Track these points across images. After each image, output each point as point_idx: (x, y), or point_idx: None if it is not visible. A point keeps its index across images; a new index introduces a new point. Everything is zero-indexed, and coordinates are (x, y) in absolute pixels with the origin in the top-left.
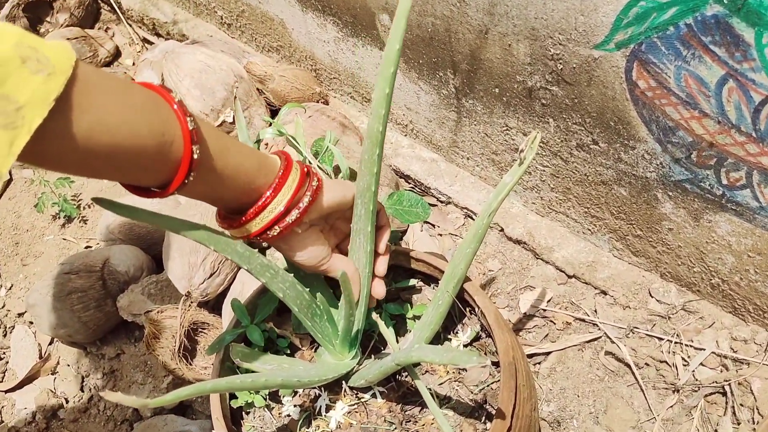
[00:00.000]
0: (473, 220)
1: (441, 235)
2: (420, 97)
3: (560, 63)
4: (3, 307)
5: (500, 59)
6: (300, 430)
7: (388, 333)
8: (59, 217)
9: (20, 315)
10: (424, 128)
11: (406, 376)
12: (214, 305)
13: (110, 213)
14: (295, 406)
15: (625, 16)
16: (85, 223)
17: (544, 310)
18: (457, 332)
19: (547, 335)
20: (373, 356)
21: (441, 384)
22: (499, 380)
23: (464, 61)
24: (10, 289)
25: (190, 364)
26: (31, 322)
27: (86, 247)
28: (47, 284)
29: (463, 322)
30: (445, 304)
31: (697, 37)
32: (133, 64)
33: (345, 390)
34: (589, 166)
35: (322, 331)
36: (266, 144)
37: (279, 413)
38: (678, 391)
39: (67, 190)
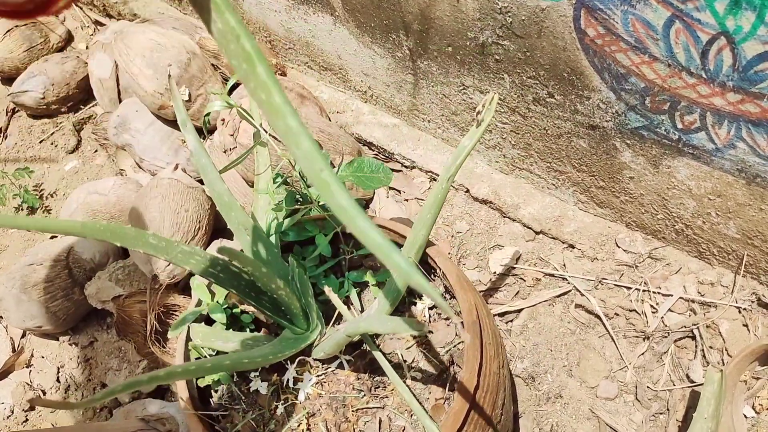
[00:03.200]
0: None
1: (407, 200)
2: (376, 62)
3: (509, 16)
4: None
5: (450, 17)
6: (270, 403)
7: (341, 306)
8: (22, 209)
9: None
10: (383, 93)
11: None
12: (184, 287)
13: (72, 199)
14: (262, 381)
15: None
16: (49, 213)
17: (514, 268)
18: (421, 296)
19: (517, 293)
20: (336, 327)
21: (408, 348)
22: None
23: (415, 21)
24: None
25: (164, 348)
26: (1, 317)
27: (51, 237)
28: (12, 277)
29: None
30: None
31: None
32: (87, 47)
33: (310, 362)
34: (548, 120)
35: (270, 308)
36: (223, 120)
37: (247, 388)
38: (648, 338)
39: (28, 181)
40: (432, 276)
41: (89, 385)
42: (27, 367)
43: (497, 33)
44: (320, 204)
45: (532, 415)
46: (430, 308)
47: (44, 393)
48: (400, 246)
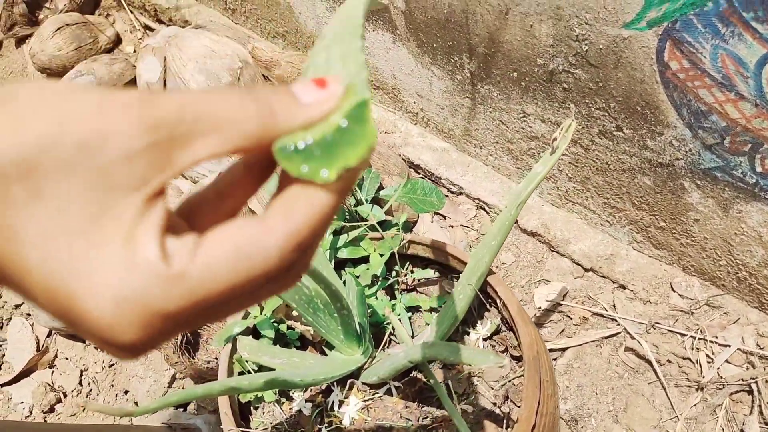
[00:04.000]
0: (485, 211)
1: (452, 226)
2: (432, 84)
3: (585, 44)
4: (0, 298)
5: (520, 41)
6: (312, 425)
7: (399, 326)
8: None
9: (17, 306)
10: (436, 116)
11: (421, 372)
12: None
13: None
14: (306, 401)
15: None
16: None
17: (560, 305)
18: (476, 325)
19: (563, 330)
20: (387, 350)
21: (459, 380)
22: (521, 376)
23: (481, 44)
24: None
25: (193, 358)
26: (29, 314)
27: None
28: None
29: (483, 314)
30: (466, 297)
31: (737, 13)
32: (134, 51)
33: (358, 385)
34: (612, 154)
35: (325, 326)
36: None
37: (290, 408)
38: (702, 389)
39: None
40: (490, 306)
41: (112, 390)
42: (50, 367)
43: (569, 61)
44: (378, 223)
45: None
46: (485, 339)
47: (65, 395)
48: (458, 273)
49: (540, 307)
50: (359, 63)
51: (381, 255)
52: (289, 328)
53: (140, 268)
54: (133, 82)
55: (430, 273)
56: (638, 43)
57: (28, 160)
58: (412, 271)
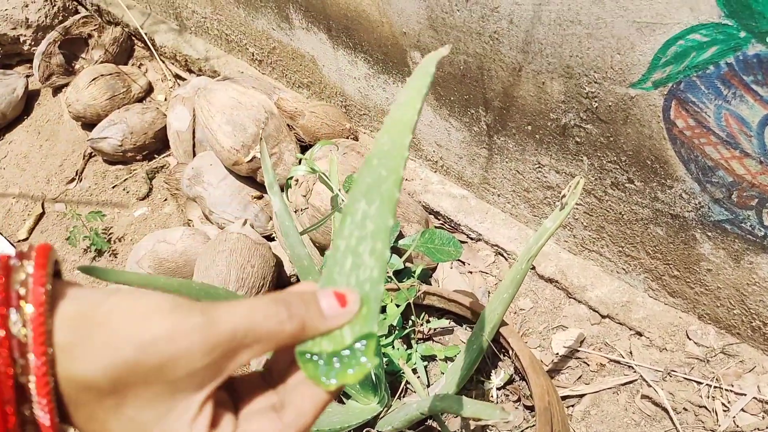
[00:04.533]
0: (504, 257)
1: (471, 272)
2: (451, 134)
3: (595, 101)
4: None
5: (533, 97)
6: None
7: (413, 378)
8: (90, 251)
9: None
10: (455, 165)
11: (436, 421)
12: None
13: (141, 245)
14: None
15: (663, 55)
16: (116, 257)
17: (578, 351)
18: (490, 374)
19: (580, 377)
20: (402, 399)
21: (473, 429)
22: (533, 425)
23: (496, 98)
24: None
25: None
26: None
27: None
28: None
29: (497, 364)
30: (480, 348)
31: (738, 76)
32: (165, 99)
33: None
34: (624, 205)
35: None
36: (296, 180)
37: None
38: None
39: (99, 224)
40: (503, 356)
41: None
42: None
43: (581, 116)
44: (395, 272)
45: None
46: (499, 389)
47: None
48: (473, 323)
49: (558, 353)
50: (381, 268)
51: (397, 306)
52: None
53: None
54: (163, 130)
55: (445, 323)
56: (645, 101)
57: (117, 379)
58: (428, 321)
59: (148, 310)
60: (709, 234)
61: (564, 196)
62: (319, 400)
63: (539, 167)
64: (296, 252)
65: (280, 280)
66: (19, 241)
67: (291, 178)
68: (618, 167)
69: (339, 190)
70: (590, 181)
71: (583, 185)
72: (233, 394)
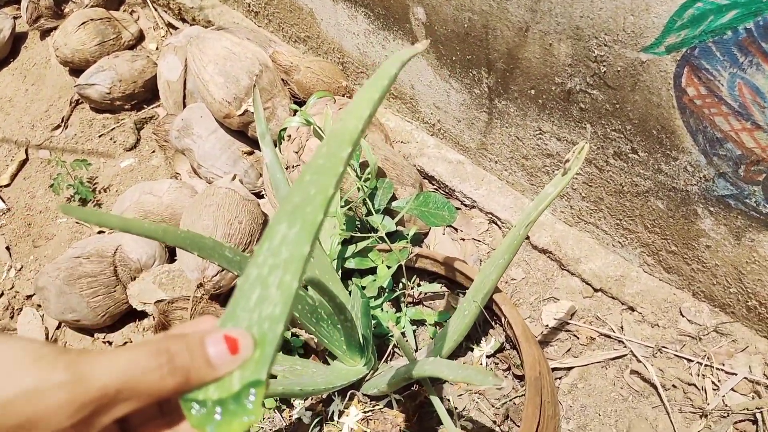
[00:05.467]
0: (498, 225)
1: (463, 239)
2: (450, 96)
3: (604, 65)
4: (12, 288)
5: (539, 59)
6: None
7: (403, 341)
8: (74, 200)
9: (29, 297)
10: (452, 128)
11: (422, 386)
12: (225, 299)
13: (126, 197)
14: (306, 409)
15: (679, 18)
16: (100, 207)
17: (568, 324)
18: (480, 341)
19: (569, 350)
20: (390, 362)
21: (460, 395)
22: (522, 395)
23: (500, 59)
24: (20, 270)
25: None
26: (39, 305)
27: (99, 233)
28: (57, 267)
29: (487, 331)
30: (471, 314)
31: (756, 43)
32: (156, 48)
33: (359, 396)
34: (626, 176)
35: (328, 336)
36: (288, 136)
37: (290, 416)
38: (706, 416)
39: (84, 173)
40: (495, 323)
41: None
42: None
43: (587, 81)
44: (387, 234)
45: None
46: (488, 356)
47: None
48: (465, 288)
49: (547, 325)
50: (285, 304)
51: (388, 267)
52: (293, 335)
53: None
54: (153, 79)
55: (436, 287)
56: (656, 67)
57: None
58: (418, 285)
59: (7, 362)
60: (712, 209)
61: (567, 161)
62: None
63: (540, 134)
64: None
65: None
66: (1, 186)
67: (284, 130)
68: (622, 136)
69: None
70: (592, 150)
71: (588, 150)
72: (125, 422)
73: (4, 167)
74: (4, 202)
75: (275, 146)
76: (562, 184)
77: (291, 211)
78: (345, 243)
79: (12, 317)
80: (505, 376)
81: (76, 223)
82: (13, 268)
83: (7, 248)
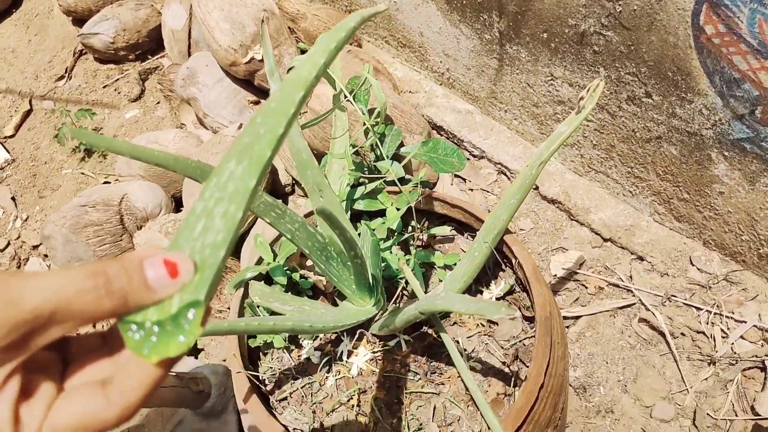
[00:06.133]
0: (506, 176)
1: (472, 190)
2: (460, 43)
3: (619, 5)
4: (18, 238)
5: (552, 0)
6: (320, 373)
7: (413, 278)
8: (79, 151)
9: (35, 247)
10: (462, 77)
11: (432, 328)
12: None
13: None
14: (315, 350)
15: None
16: (105, 159)
17: (576, 273)
18: (489, 285)
19: (577, 299)
20: (399, 304)
21: (470, 337)
22: (531, 336)
23: (512, 1)
24: (26, 220)
25: None
26: (46, 255)
27: (104, 183)
28: (63, 216)
29: (497, 274)
30: (482, 255)
31: None
32: None
33: (368, 337)
34: (639, 122)
35: (338, 275)
36: None
37: (298, 356)
38: (714, 363)
39: (89, 123)
40: (506, 265)
41: None
42: None
43: (602, 22)
44: (399, 178)
45: (580, 427)
46: (498, 299)
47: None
48: (474, 231)
49: (555, 275)
50: (228, 232)
51: (398, 209)
52: (302, 277)
53: None
54: (157, 29)
55: (446, 230)
56: (674, 5)
57: None
58: (427, 227)
59: None
60: (726, 154)
61: (582, 98)
62: (146, 377)
63: (552, 80)
64: (295, 144)
65: (274, 189)
66: (5, 137)
67: (292, 68)
68: (636, 79)
69: (341, 85)
70: (605, 95)
71: (603, 88)
72: (65, 351)
73: (8, 118)
74: (9, 152)
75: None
76: (575, 123)
77: (240, 150)
78: (353, 186)
79: (18, 267)
80: (512, 319)
81: (81, 173)
82: (19, 218)
83: (13, 199)
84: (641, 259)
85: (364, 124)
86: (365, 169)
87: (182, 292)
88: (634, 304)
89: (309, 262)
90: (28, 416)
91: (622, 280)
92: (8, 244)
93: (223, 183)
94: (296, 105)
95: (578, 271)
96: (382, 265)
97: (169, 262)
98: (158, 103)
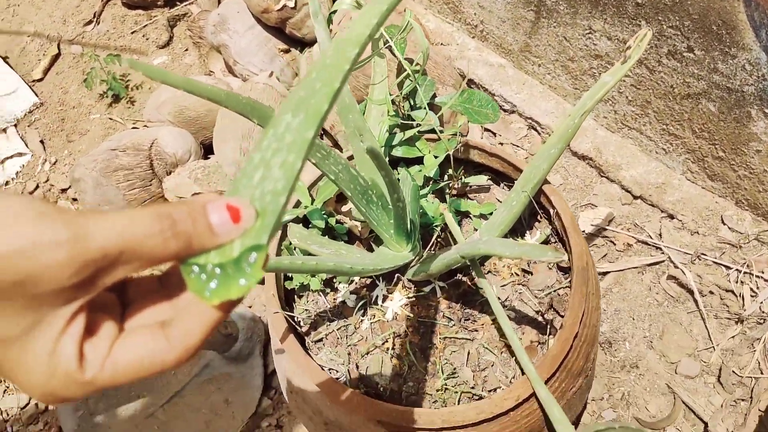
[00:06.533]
0: (537, 131)
1: (502, 144)
2: None
3: None
4: (47, 181)
5: None
6: (355, 316)
7: (453, 223)
8: (107, 96)
9: (63, 191)
10: (496, 30)
11: (466, 276)
12: None
13: (162, 91)
14: (351, 293)
15: None
16: (132, 105)
17: (605, 230)
18: (524, 235)
19: (605, 255)
20: (434, 252)
21: (503, 286)
22: (566, 287)
23: None
24: (54, 164)
25: None
26: (74, 199)
27: (133, 127)
28: (94, 159)
29: (532, 225)
30: (520, 204)
31: None
32: None
33: (403, 282)
34: (678, 77)
35: (377, 219)
36: (330, 30)
37: (334, 299)
38: (742, 321)
39: (117, 68)
40: (542, 216)
41: None
42: None
43: None
44: (440, 126)
45: (604, 381)
46: None
47: None
48: (512, 181)
49: (584, 231)
50: (288, 180)
51: (435, 156)
52: (337, 222)
53: (60, 377)
54: None
55: (483, 179)
56: None
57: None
58: (464, 177)
59: (5, 217)
60: (767, 111)
61: (628, 47)
62: (206, 319)
63: (590, 33)
64: None
65: None
66: (34, 81)
67: (334, 12)
68: (679, 33)
69: (381, 35)
70: (644, 49)
71: (650, 38)
72: (124, 294)
73: (36, 61)
74: (38, 96)
75: (301, 43)
76: (620, 73)
77: (296, 103)
78: (391, 133)
79: None
80: (549, 268)
81: (110, 119)
82: (48, 161)
83: (41, 142)
84: (671, 217)
85: (399, 73)
86: (400, 118)
87: (243, 237)
88: (663, 261)
89: (344, 208)
90: (91, 353)
91: (651, 238)
92: (37, 186)
93: (281, 134)
94: (351, 62)
95: (607, 227)
96: (419, 211)
97: (232, 208)
98: (186, 50)
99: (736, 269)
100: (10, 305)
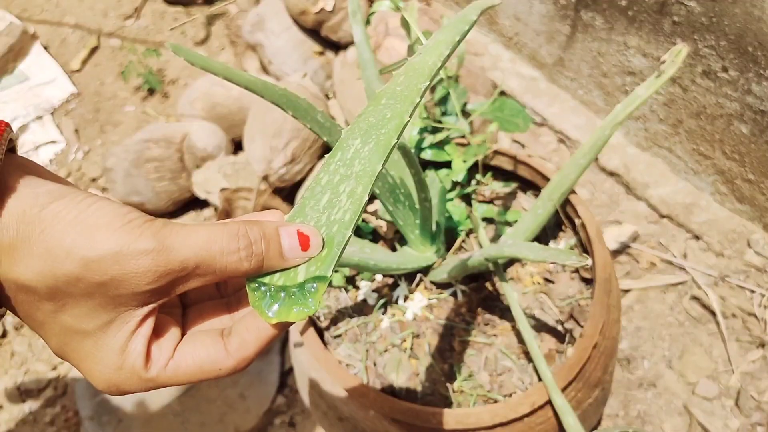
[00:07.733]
0: (566, 145)
1: (530, 156)
2: (533, 6)
3: None
4: (79, 170)
5: None
6: (375, 314)
7: (480, 229)
8: (142, 89)
9: (94, 180)
10: (530, 42)
11: (488, 281)
12: (287, 195)
13: (196, 87)
14: (372, 291)
15: None
16: (166, 99)
17: (629, 247)
18: (548, 244)
19: (628, 273)
20: (457, 254)
21: (525, 294)
22: (587, 298)
23: None
24: (87, 153)
25: None
26: (105, 188)
27: (166, 121)
28: (126, 150)
29: (557, 235)
30: (546, 212)
31: None
32: None
33: (425, 283)
34: (711, 97)
35: (403, 218)
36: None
37: (355, 296)
38: (764, 345)
39: (155, 62)
40: (566, 227)
41: None
42: None
43: None
44: (470, 133)
45: (621, 398)
46: None
47: None
48: (538, 190)
49: (609, 248)
50: (354, 212)
51: (464, 161)
52: (363, 220)
53: (126, 371)
54: None
55: (510, 186)
56: None
57: (56, 288)
58: (492, 183)
59: (97, 222)
60: None
61: (663, 62)
62: (263, 335)
63: (625, 49)
64: (371, 86)
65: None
66: (72, 71)
67: (372, 14)
68: (714, 53)
69: (418, 32)
70: (679, 68)
71: (686, 54)
72: (185, 295)
73: (75, 52)
74: (75, 86)
75: (336, 46)
76: (654, 86)
77: (366, 129)
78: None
79: None
80: (572, 279)
81: (143, 112)
82: (81, 150)
83: (76, 131)
84: (697, 237)
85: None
86: (431, 121)
87: (309, 265)
88: (686, 282)
89: (370, 208)
90: (157, 353)
91: (676, 257)
92: (69, 174)
93: (349, 159)
94: (420, 94)
95: (632, 245)
96: (445, 214)
97: (303, 235)
98: (223, 48)
99: (761, 293)
100: (91, 302)
